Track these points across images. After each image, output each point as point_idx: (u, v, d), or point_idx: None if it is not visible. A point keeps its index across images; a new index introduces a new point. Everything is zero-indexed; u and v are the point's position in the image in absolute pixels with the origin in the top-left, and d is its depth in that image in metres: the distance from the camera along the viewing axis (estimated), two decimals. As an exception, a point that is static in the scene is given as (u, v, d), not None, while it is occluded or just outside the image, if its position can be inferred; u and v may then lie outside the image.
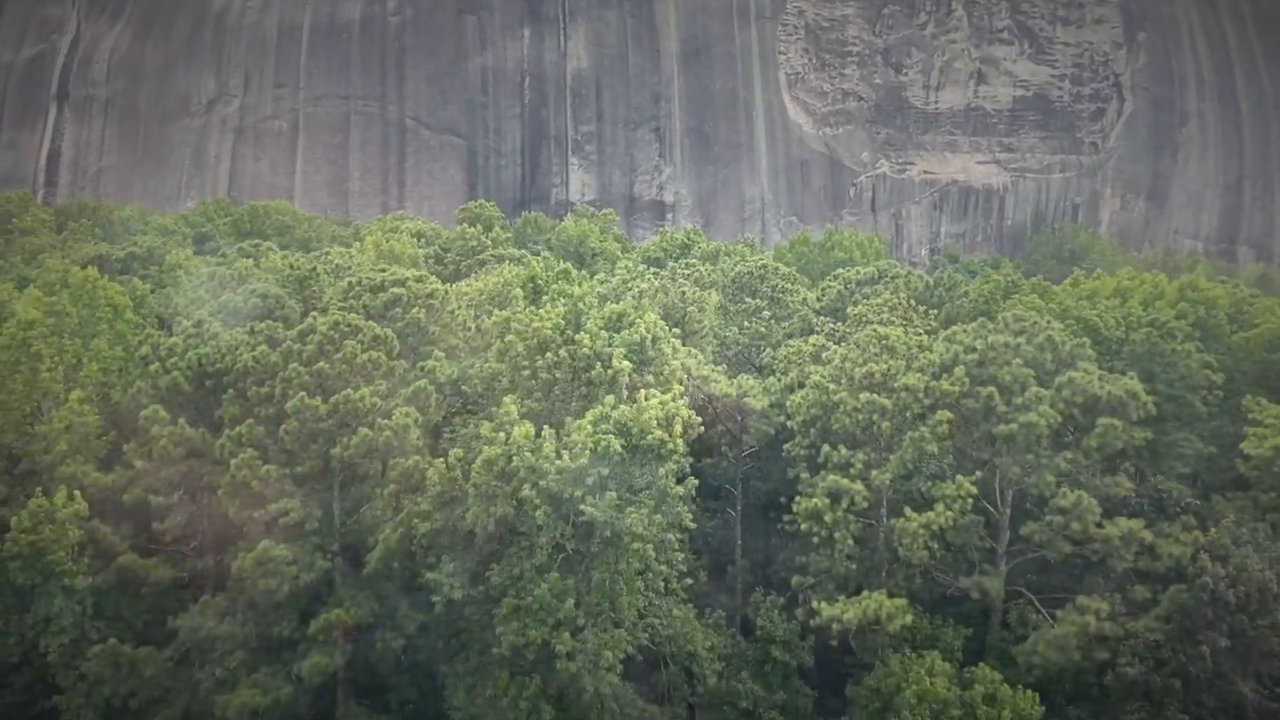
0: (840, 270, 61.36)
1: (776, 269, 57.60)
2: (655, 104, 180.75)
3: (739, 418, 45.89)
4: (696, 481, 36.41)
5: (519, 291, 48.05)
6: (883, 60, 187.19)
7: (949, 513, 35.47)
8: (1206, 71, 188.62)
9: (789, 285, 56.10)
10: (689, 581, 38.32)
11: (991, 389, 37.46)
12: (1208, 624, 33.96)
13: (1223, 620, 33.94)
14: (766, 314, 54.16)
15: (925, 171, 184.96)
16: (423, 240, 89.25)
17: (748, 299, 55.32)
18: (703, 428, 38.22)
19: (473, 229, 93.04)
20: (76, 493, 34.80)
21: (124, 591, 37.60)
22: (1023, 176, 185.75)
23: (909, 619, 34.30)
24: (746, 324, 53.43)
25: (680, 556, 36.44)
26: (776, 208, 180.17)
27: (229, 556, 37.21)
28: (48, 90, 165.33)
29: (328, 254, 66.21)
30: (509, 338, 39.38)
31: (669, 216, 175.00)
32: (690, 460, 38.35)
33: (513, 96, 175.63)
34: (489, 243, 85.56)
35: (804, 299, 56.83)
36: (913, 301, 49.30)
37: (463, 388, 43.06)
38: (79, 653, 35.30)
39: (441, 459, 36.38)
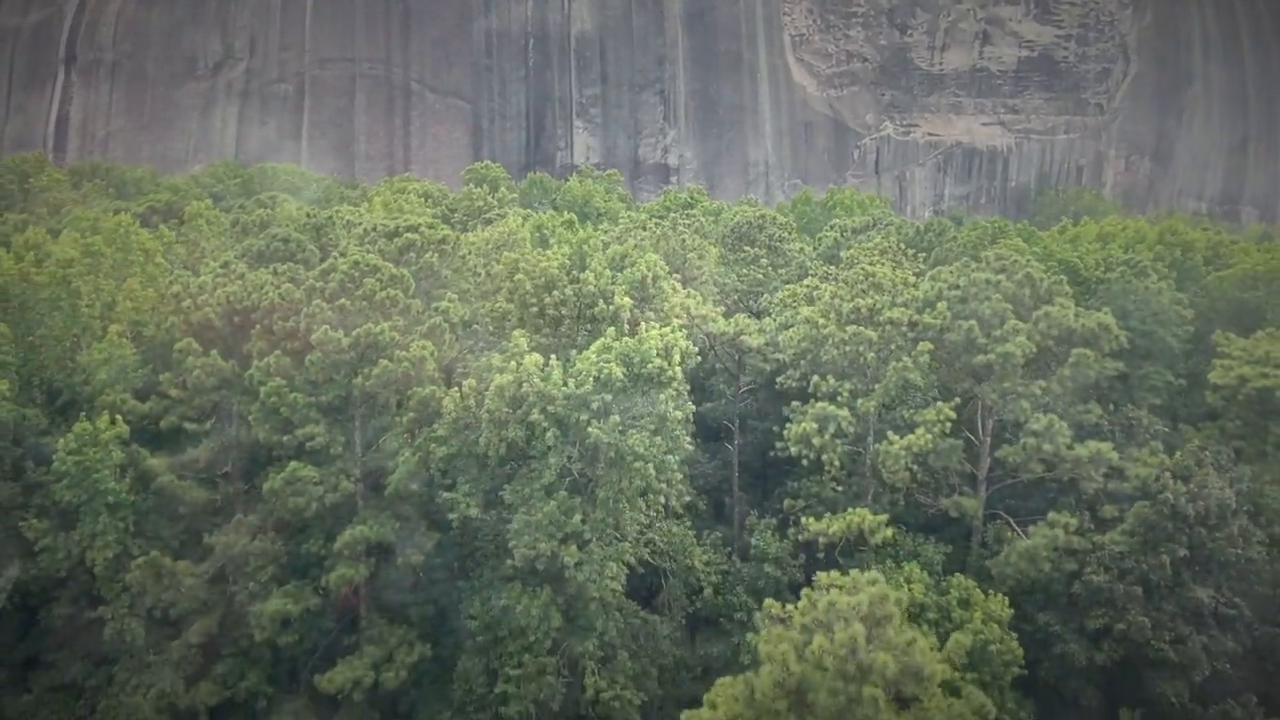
0: (837, 220, 63.72)
1: (774, 219, 60.07)
2: (659, 66, 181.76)
3: (736, 356, 48.68)
4: (694, 407, 39.15)
5: (526, 236, 50.60)
6: (887, 21, 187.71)
7: (929, 436, 38.21)
8: (1212, 32, 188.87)
9: (786, 235, 58.58)
10: (687, 499, 41.16)
11: (972, 322, 40.08)
12: (1169, 536, 36.77)
13: (1183, 533, 36.75)
14: (764, 262, 56.67)
15: (929, 133, 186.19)
16: (430, 201, 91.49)
17: (746, 248, 57.80)
18: (700, 359, 40.93)
19: (479, 189, 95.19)
20: (118, 417, 37.69)
21: (161, 513, 40.61)
22: (1027, 138, 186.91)
23: (890, 532, 37.14)
24: (745, 271, 55.96)
25: (679, 477, 39.26)
26: (780, 170, 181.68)
27: (259, 480, 40.25)
28: (55, 54, 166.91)
29: (338, 211, 68.72)
30: (518, 277, 42.04)
31: (673, 179, 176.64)
32: (692, 402, 41.05)
33: (517, 59, 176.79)
34: (495, 203, 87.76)
35: (801, 248, 59.29)
36: (903, 245, 51.85)
37: (474, 327, 45.82)
38: (122, 566, 38.37)
39: (456, 388, 39.16)
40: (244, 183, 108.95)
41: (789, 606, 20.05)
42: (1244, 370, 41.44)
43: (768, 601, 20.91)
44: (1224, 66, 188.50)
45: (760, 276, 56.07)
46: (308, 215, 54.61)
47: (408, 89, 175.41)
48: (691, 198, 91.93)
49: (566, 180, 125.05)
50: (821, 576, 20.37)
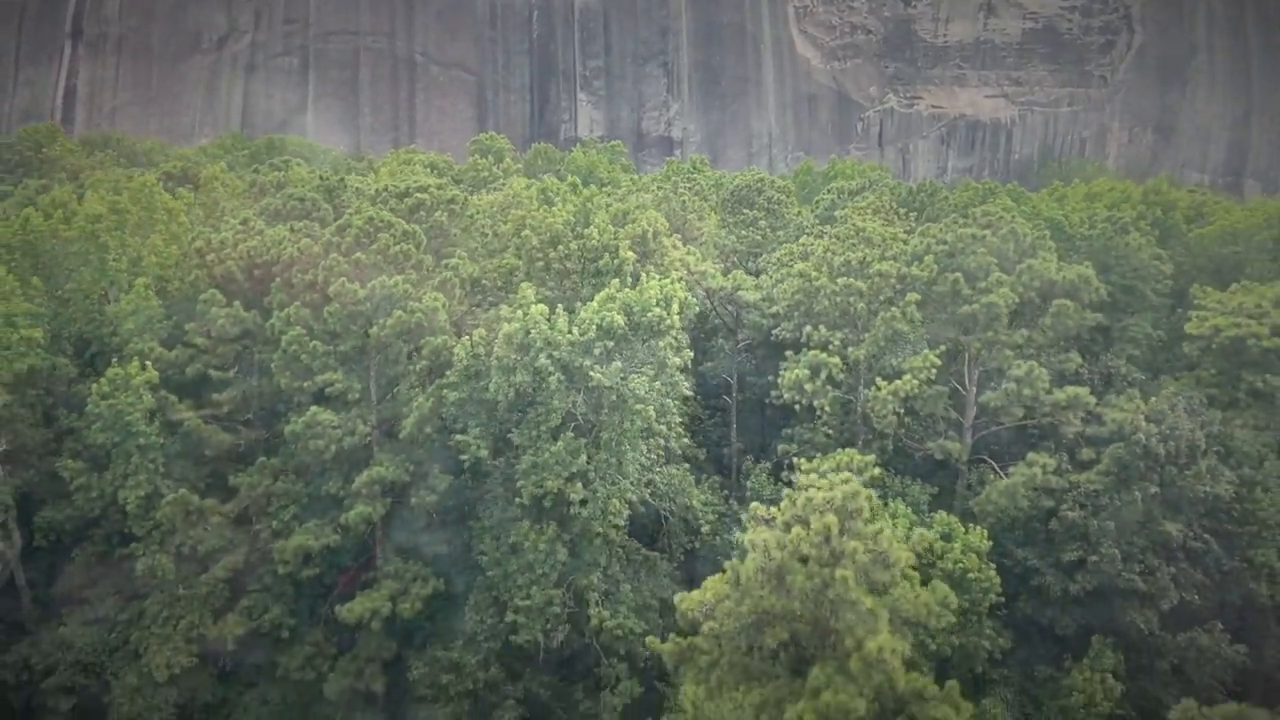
0: (834, 183, 65.71)
1: (772, 182, 62.12)
2: (663, 39, 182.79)
3: (734, 312, 50.92)
4: (691, 353, 41.33)
5: (532, 197, 52.71)
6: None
7: (915, 381, 40.45)
8: (1216, 4, 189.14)
9: (784, 198, 60.61)
10: (686, 441, 43.48)
11: (958, 275, 42.25)
12: (1141, 475, 39.07)
13: (1154, 471, 39.05)
14: (763, 224, 58.75)
15: (933, 105, 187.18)
16: (435, 172, 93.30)
17: (745, 211, 59.85)
18: (701, 318, 43.09)
19: (484, 160, 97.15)
20: (148, 363, 40.07)
21: (188, 457, 43.07)
22: (1030, 110, 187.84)
23: (877, 471, 39.39)
24: (744, 233, 58.04)
25: (678, 420, 41.62)
26: (784, 142, 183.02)
27: (281, 425, 42.66)
28: (62, 28, 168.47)
29: (345, 180, 70.79)
30: (524, 233, 44.26)
31: (677, 152, 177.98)
32: (693, 364, 43.23)
33: (521, 32, 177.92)
34: (500, 173, 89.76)
35: (799, 211, 61.34)
36: (895, 205, 53.90)
37: (483, 282, 48.02)
38: (152, 505, 40.85)
39: (466, 337, 41.45)
40: (252, 154, 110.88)
41: (772, 509, 22.35)
42: (1218, 320, 43.55)
43: (754, 505, 23.20)
44: (1228, 39, 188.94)
45: (759, 238, 58.16)
46: (321, 178, 56.76)
47: (412, 62, 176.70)
48: (694, 167, 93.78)
49: (570, 152, 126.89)
50: (801, 478, 22.70)
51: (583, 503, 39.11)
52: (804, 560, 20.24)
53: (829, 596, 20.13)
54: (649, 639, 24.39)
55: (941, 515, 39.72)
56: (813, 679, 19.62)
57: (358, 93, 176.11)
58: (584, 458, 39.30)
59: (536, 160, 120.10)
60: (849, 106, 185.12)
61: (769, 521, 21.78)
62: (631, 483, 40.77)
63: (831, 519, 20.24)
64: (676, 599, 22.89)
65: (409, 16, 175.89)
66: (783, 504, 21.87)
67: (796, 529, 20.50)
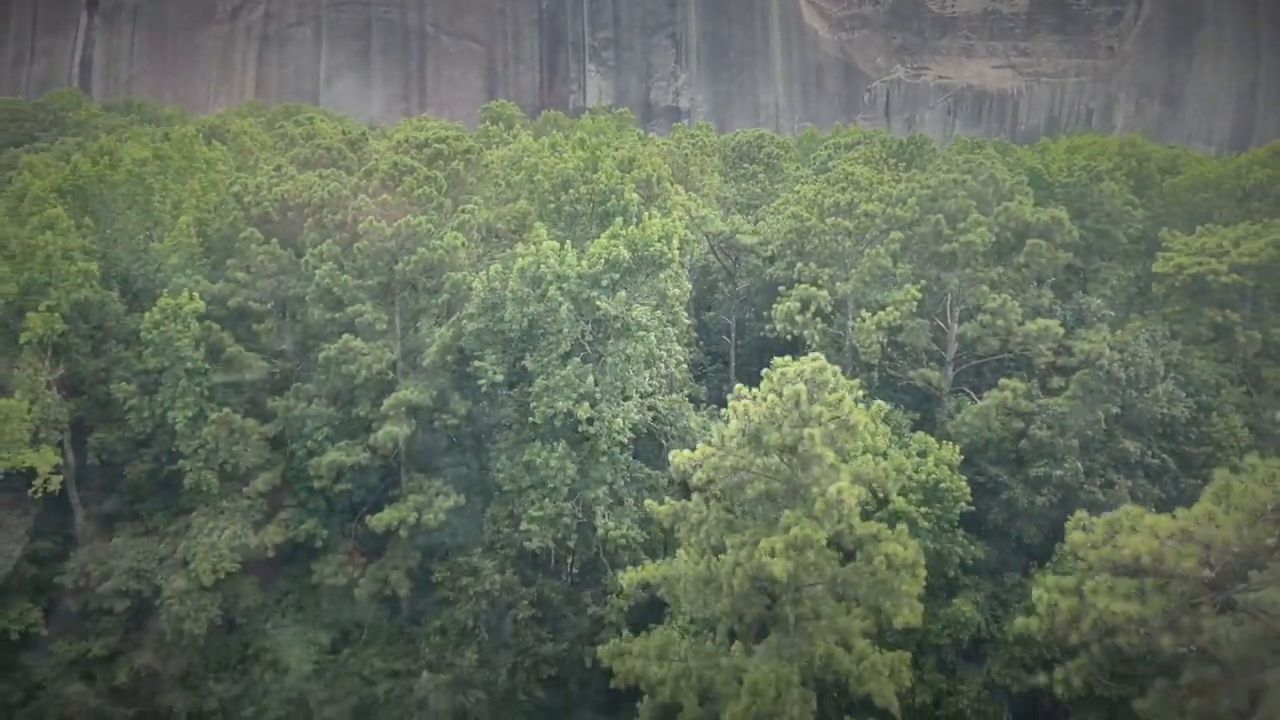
0: (830, 139, 69.32)
1: (772, 139, 65.77)
2: (671, 9, 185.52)
3: (734, 256, 54.76)
4: (690, 286, 45.21)
5: (543, 146, 56.51)
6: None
7: (896, 313, 44.30)
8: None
9: (783, 153, 64.28)
10: (685, 366, 47.41)
11: (939, 216, 46.02)
12: (1104, 397, 42.92)
13: (1116, 393, 42.90)
14: (762, 177, 62.48)
15: (940, 76, 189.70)
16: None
17: (746, 165, 63.56)
18: (703, 267, 46.80)
19: (495, 126, 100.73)
20: (195, 294, 44.19)
21: (228, 385, 47.23)
22: (1037, 81, 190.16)
23: (861, 393, 43.31)
24: (744, 186, 61.77)
25: (678, 348, 45.56)
26: (791, 113, 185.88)
27: (314, 353, 46.78)
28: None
29: (366, 134, 74.67)
30: (536, 178, 48.10)
31: (684, 122, 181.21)
32: (695, 317, 47.08)
33: (530, 2, 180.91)
34: (510, 139, 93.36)
35: (797, 167, 65.01)
36: (885, 155, 57.52)
37: (497, 226, 51.92)
38: (198, 425, 45.07)
39: (484, 272, 45.42)
40: (268, 121, 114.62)
41: (752, 389, 26.21)
42: (1182, 259, 47.17)
43: (738, 386, 27.05)
44: (1235, 10, 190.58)
45: (758, 190, 61.91)
46: (344, 131, 60.66)
47: (423, 32, 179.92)
48: (699, 129, 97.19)
49: (579, 120, 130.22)
50: (776, 360, 26.49)
51: (589, 421, 43.18)
52: (777, 424, 24.17)
53: (799, 453, 24.06)
54: (648, 503, 28.27)
55: (919, 435, 43.64)
56: (783, 521, 23.59)
57: (369, 63, 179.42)
58: (591, 380, 43.35)
59: (546, 126, 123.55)
60: (856, 77, 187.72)
61: (751, 399, 25.71)
62: (634, 405, 44.78)
63: (801, 387, 24.15)
64: (671, 456, 26.92)
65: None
66: (762, 385, 25.77)
67: (771, 396, 24.43)
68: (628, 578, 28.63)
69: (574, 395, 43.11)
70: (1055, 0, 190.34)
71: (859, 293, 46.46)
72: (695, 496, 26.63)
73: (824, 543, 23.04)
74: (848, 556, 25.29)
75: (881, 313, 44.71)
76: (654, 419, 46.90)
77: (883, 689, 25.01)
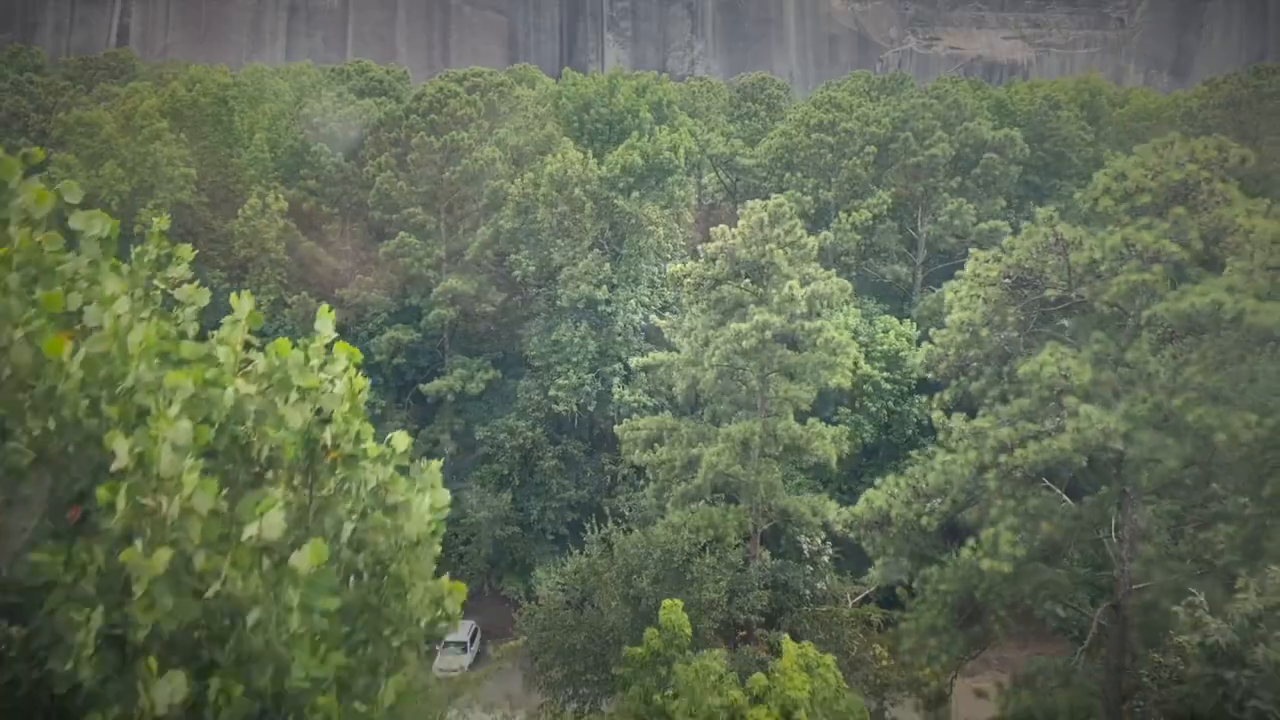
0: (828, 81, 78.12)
1: (774, 80, 74.66)
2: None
3: (733, 177, 63.73)
4: (694, 188, 54.22)
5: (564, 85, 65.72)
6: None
7: (869, 213, 53.24)
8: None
9: (783, 94, 73.16)
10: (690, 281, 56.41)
11: (909, 133, 54.85)
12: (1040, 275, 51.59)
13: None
14: (763, 114, 71.36)
15: (951, 47, 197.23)
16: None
17: (748, 104, 72.48)
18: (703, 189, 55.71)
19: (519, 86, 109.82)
20: (279, 195, 53.65)
21: (301, 279, 56.69)
22: (1047, 52, 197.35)
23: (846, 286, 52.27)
24: (746, 122, 70.69)
25: (682, 242, 54.58)
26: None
27: (373, 250, 56.18)
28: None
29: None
30: (561, 101, 57.22)
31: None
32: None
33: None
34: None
35: (796, 105, 73.87)
36: (869, 89, 66.28)
37: (526, 149, 61.13)
38: (278, 309, 54.53)
39: (518, 179, 54.64)
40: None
41: (723, 227, 35.11)
42: (1115, 171, 55.80)
43: (720, 227, 35.97)
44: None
45: (759, 127, 70.75)
46: (387, 72, 70.05)
47: (446, 3, 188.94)
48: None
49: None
50: (751, 203, 35.54)
51: (607, 302, 52.41)
52: (747, 244, 33.14)
53: (762, 264, 33.05)
54: (671, 267, 37.07)
55: (884, 318, 52.65)
56: (750, 312, 32.62)
57: (395, 33, 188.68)
58: (608, 268, 52.60)
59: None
60: (868, 48, 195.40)
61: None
62: (644, 288, 53.98)
63: (764, 215, 33.13)
64: (669, 267, 36.00)
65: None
66: (739, 221, 34.75)
67: (742, 223, 33.44)
68: (636, 361, 37.89)
69: (594, 281, 52.37)
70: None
71: (839, 199, 55.39)
72: (686, 280, 35.76)
73: (779, 328, 32.12)
74: (798, 349, 34.47)
75: (855, 214, 53.62)
76: (662, 307, 56.01)
77: (825, 448, 34.12)
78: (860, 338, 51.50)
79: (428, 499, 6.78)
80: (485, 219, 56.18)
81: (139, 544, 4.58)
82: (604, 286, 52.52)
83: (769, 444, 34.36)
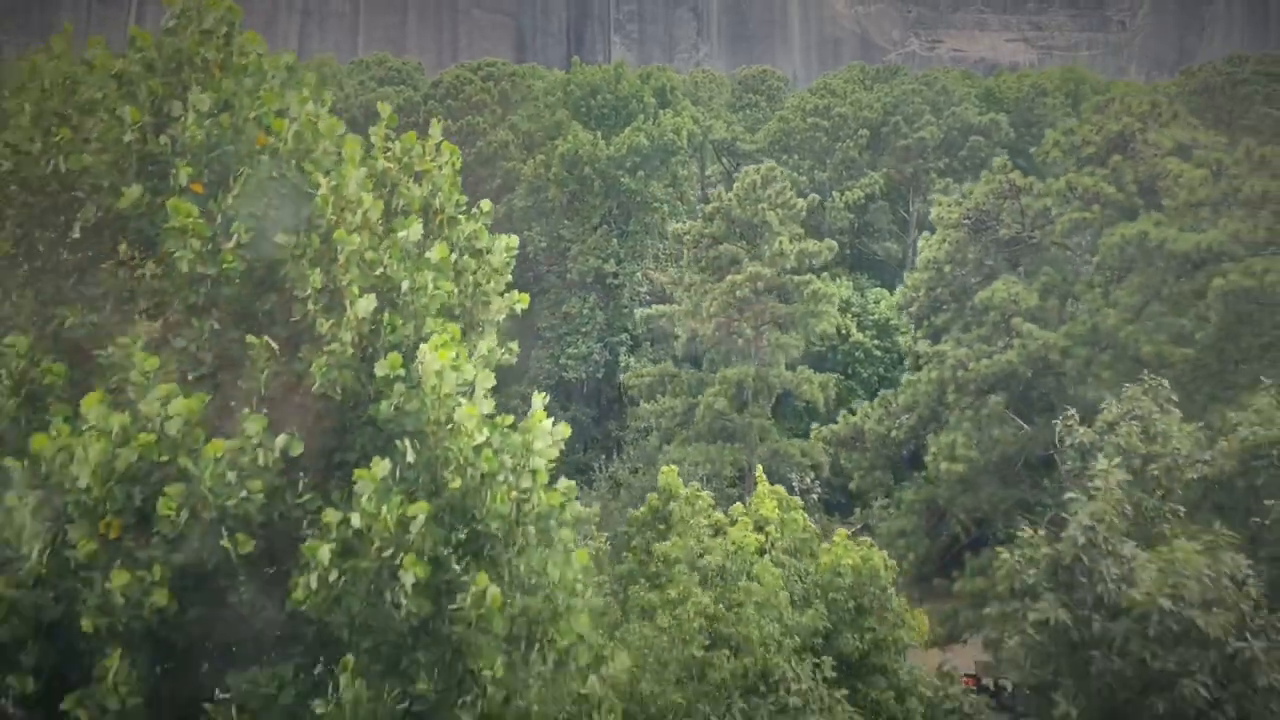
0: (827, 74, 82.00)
1: (774, 73, 78.41)
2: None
3: (734, 162, 67.43)
4: (696, 170, 57.93)
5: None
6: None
7: (861, 193, 56.89)
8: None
9: (782, 85, 76.90)
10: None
11: (899, 118, 58.52)
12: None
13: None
14: (763, 104, 75.10)
15: (954, 49, 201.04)
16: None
17: (750, 95, 76.25)
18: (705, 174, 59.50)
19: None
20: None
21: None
22: (1049, 54, 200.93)
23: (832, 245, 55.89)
24: (747, 112, 74.45)
25: (686, 220, 58.16)
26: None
27: (392, 228, 59.92)
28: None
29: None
30: (570, 87, 61.01)
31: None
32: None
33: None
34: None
35: (794, 92, 77.70)
36: (864, 79, 70.00)
37: (536, 134, 64.94)
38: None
39: (532, 161, 58.39)
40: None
41: (720, 189, 38.72)
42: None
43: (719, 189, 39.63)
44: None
45: (759, 117, 74.51)
46: (403, 62, 74.04)
47: (455, 6, 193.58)
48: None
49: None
50: (746, 168, 39.10)
51: (615, 275, 56.09)
52: (741, 203, 36.80)
53: (755, 223, 36.69)
54: (673, 228, 40.65)
55: (875, 290, 56.23)
56: (744, 265, 36.25)
57: (405, 36, 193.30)
58: (615, 243, 56.30)
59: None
60: (872, 50, 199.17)
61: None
62: (650, 263, 57.67)
63: (757, 178, 36.77)
64: (670, 226, 39.67)
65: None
66: (734, 184, 38.41)
67: (737, 185, 37.13)
68: (640, 314, 41.59)
69: (602, 255, 56.07)
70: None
71: (833, 180, 59.08)
72: (685, 237, 39.42)
73: (769, 279, 35.74)
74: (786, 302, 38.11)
75: (849, 194, 57.29)
76: (667, 282, 59.66)
77: (813, 392, 37.68)
78: (853, 308, 55.18)
79: (503, 242, 10.50)
80: (498, 200, 59.86)
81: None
82: (611, 260, 56.20)
83: (762, 390, 37.95)
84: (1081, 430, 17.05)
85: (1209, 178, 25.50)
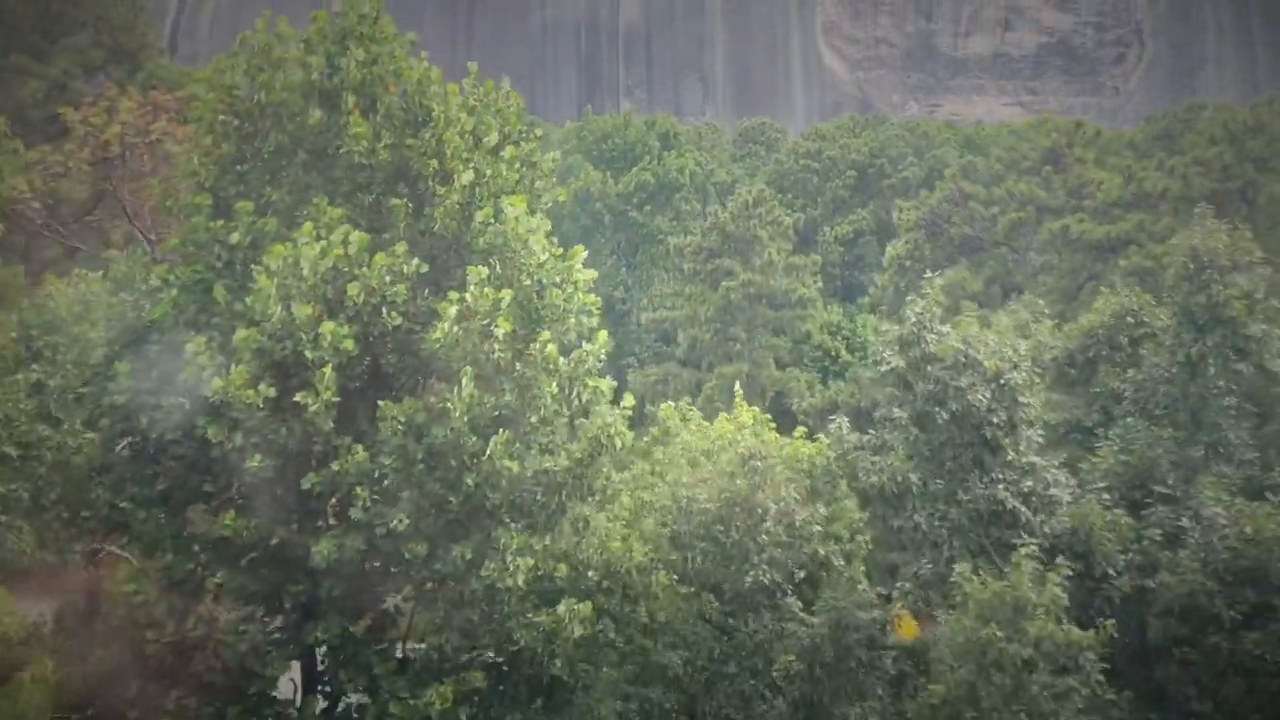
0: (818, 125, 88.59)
1: (772, 125, 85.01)
2: (700, 52, 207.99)
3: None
4: (698, 206, 63.77)
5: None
6: (914, 9, 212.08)
7: (850, 229, 62.64)
8: (1224, 17, 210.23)
9: (780, 135, 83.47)
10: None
11: (883, 160, 64.56)
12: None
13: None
14: (762, 153, 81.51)
15: (952, 113, 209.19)
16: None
17: (749, 145, 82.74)
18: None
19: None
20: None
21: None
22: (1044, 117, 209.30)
23: (817, 260, 61.37)
24: (748, 160, 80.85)
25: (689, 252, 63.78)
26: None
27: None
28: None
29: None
30: (583, 134, 67.38)
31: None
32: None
33: (569, 44, 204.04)
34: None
35: (792, 141, 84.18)
36: (854, 129, 76.32)
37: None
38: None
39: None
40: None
41: (716, 208, 44.32)
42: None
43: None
44: (1235, 50, 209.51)
45: (758, 164, 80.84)
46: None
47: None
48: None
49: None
50: (740, 191, 44.67)
51: (623, 301, 61.66)
52: (735, 220, 42.46)
53: (747, 238, 42.33)
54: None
55: (867, 315, 61.57)
56: (737, 274, 41.74)
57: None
58: (624, 272, 62.00)
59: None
60: (872, 113, 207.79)
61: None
62: (655, 296, 63.20)
63: (749, 198, 42.50)
64: (670, 240, 45.28)
65: (469, 31, 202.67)
66: (730, 204, 44.07)
67: (732, 205, 42.85)
68: (647, 316, 47.07)
69: (613, 283, 61.69)
70: (1062, 43, 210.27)
71: (824, 217, 64.92)
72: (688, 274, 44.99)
73: (761, 285, 41.19)
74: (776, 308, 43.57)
75: (838, 229, 63.05)
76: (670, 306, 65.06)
77: (800, 389, 42.85)
78: (843, 332, 60.49)
79: (551, 155, 15.96)
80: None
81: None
82: (620, 288, 61.82)
83: (754, 388, 43.11)
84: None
85: (1122, 182, 30.88)
